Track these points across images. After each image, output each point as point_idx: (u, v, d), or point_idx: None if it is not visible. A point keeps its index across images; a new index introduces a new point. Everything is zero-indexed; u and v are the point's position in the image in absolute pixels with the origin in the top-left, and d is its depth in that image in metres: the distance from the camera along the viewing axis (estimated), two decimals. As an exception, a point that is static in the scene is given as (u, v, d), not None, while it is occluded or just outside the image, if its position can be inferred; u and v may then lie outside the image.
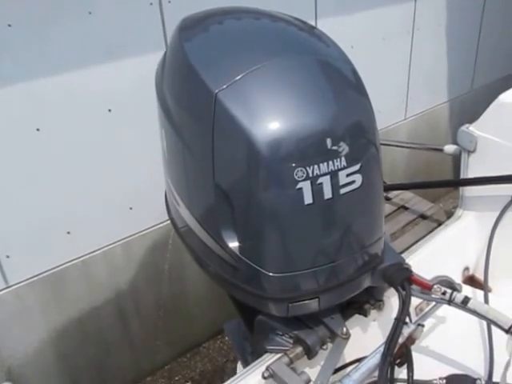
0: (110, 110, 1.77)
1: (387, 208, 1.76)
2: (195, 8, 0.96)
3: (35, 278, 1.79)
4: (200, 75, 0.78)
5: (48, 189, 1.72)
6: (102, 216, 1.89)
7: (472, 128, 1.37)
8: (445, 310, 0.97)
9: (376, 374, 0.81)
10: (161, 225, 2.07)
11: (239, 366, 1.08)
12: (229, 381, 0.87)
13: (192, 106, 0.82)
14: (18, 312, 1.79)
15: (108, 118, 1.78)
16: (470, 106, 3.51)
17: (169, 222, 1.06)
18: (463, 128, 1.38)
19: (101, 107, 1.75)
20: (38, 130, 1.63)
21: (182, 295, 2.31)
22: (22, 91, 1.56)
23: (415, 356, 0.88)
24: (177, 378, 2.34)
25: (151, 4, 1.75)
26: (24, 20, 1.50)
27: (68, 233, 1.82)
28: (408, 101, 3.05)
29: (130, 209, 1.97)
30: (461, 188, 1.43)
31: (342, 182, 0.77)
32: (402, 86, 2.99)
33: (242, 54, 0.82)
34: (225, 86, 0.75)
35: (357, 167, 0.78)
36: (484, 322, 1.09)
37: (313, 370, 0.86)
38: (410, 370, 0.86)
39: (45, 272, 1.81)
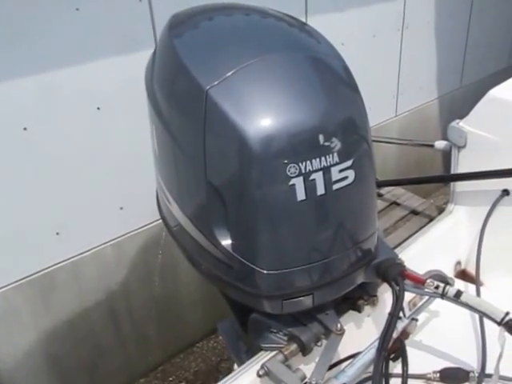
0: (98, 109, 1.75)
1: (379, 204, 1.76)
2: (185, 4, 0.95)
3: (23, 281, 1.76)
4: (190, 72, 0.77)
5: (36, 189, 1.70)
6: (91, 216, 1.87)
7: (462, 124, 1.38)
8: (438, 304, 0.97)
9: (371, 369, 0.81)
10: (152, 224, 2.05)
11: (235, 365, 1.08)
12: (224, 380, 0.87)
13: (183, 103, 0.81)
14: (6, 315, 1.76)
15: (97, 117, 1.76)
16: (459, 102, 3.54)
17: (160, 221, 1.05)
18: (453, 124, 1.39)
19: (89, 105, 1.73)
20: (25, 129, 1.61)
21: (175, 295, 2.29)
22: (8, 89, 1.53)
23: (409, 350, 0.88)
24: (171, 379, 2.33)
25: (140, 1, 1.73)
26: (9, 16, 1.47)
27: (57, 234, 1.79)
28: (398, 98, 3.07)
29: (121, 208, 1.95)
30: (452, 183, 1.44)
31: (334, 178, 0.77)
32: (393, 82, 3.01)
33: (232, 51, 0.81)
34: (216, 83, 0.75)
35: (349, 163, 0.78)
36: (476, 316, 1.10)
37: (308, 367, 0.86)
38: (405, 364, 0.86)
39: (33, 274, 1.78)
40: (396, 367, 0.88)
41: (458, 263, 1.38)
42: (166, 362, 2.39)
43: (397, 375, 0.87)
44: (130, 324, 2.18)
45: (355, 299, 0.97)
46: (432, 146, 1.50)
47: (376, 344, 0.82)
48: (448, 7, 3.13)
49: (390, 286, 0.87)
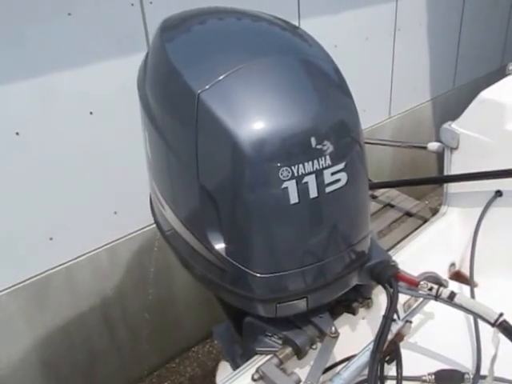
0: (91, 113, 1.74)
1: (373, 206, 1.77)
2: (177, 9, 0.95)
3: (17, 286, 1.75)
4: (182, 76, 0.77)
5: (29, 194, 1.68)
6: (85, 221, 1.86)
7: (454, 125, 1.38)
8: (432, 305, 0.98)
9: (366, 371, 0.81)
10: (146, 228, 2.04)
11: (230, 369, 1.07)
12: (218, 384, 0.86)
13: (174, 107, 0.81)
14: (0, 321, 1.75)
15: (90, 121, 1.75)
16: (452, 103, 3.57)
17: (154, 225, 1.05)
18: (445, 125, 1.40)
19: (82, 110, 1.72)
20: (17, 133, 1.60)
21: (170, 299, 2.28)
22: None
23: (404, 352, 0.88)
24: (166, 384, 2.32)
25: (132, 5, 1.73)
26: (0, 21, 1.46)
27: (51, 239, 1.78)
28: (392, 100, 3.08)
29: (115, 213, 1.95)
30: (445, 185, 1.45)
31: (327, 181, 0.77)
32: (386, 85, 3.02)
33: (224, 54, 0.81)
34: (207, 87, 0.75)
35: (341, 166, 0.78)
36: (471, 317, 1.10)
37: (303, 370, 0.86)
38: (399, 366, 0.86)
39: (27, 280, 1.77)
40: (391, 369, 0.88)
41: (452, 265, 1.38)
42: (162, 366, 2.37)
43: (392, 377, 0.87)
44: (124, 329, 2.17)
45: (350, 302, 0.97)
46: (425, 147, 1.51)
47: (371, 346, 0.82)
48: (440, 9, 3.15)
49: (384, 288, 0.87)
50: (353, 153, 0.81)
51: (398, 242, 1.27)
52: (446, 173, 1.42)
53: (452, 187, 1.42)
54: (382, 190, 1.87)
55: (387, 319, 0.82)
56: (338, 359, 0.92)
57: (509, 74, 1.50)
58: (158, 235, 1.04)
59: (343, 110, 0.82)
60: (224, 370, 1.07)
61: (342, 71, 0.86)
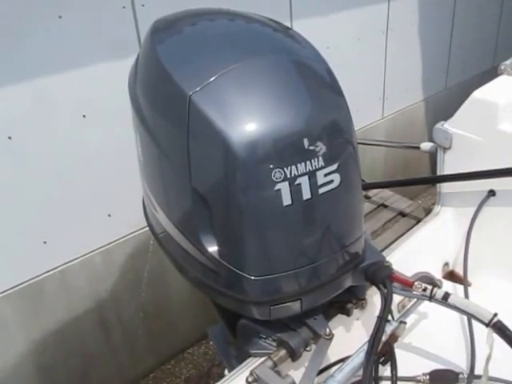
0: (84, 116, 1.73)
1: (367, 206, 1.77)
2: (169, 11, 0.95)
3: (11, 291, 1.74)
4: (173, 78, 0.77)
5: (22, 198, 1.67)
6: (79, 224, 1.85)
7: (447, 125, 1.39)
8: (426, 306, 0.98)
9: (360, 372, 0.81)
10: (141, 231, 2.03)
11: (226, 371, 1.07)
12: (213, 387, 0.86)
13: (166, 109, 0.81)
14: (-6, 326, 1.73)
15: (82, 124, 1.74)
16: (445, 103, 3.58)
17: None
18: (438, 125, 1.40)
19: (75, 113, 1.71)
20: (9, 138, 1.58)
21: (165, 301, 2.28)
22: (-9, 98, 1.51)
23: (399, 353, 0.88)
24: (162, 386, 2.31)
25: (124, 7, 1.72)
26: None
27: (44, 242, 1.77)
28: (385, 100, 3.09)
29: (109, 216, 1.94)
30: (438, 185, 1.45)
31: (320, 182, 0.76)
32: (379, 85, 3.03)
33: (215, 56, 0.81)
34: (198, 88, 0.74)
35: (334, 167, 0.78)
36: (465, 317, 1.11)
37: (297, 373, 0.86)
38: (394, 367, 0.86)
39: (21, 284, 1.76)
40: (386, 370, 0.88)
41: (446, 264, 1.39)
42: (157, 368, 2.36)
43: (386, 378, 0.86)
44: (120, 332, 2.15)
45: (344, 303, 0.97)
46: (418, 147, 1.51)
47: (365, 348, 0.82)
48: (432, 10, 3.16)
49: (379, 289, 0.87)
50: (346, 154, 0.81)
51: (392, 243, 1.27)
52: (439, 173, 1.42)
53: (445, 187, 1.42)
54: (376, 191, 1.87)
55: (381, 320, 0.82)
56: (333, 361, 0.92)
57: (501, 74, 1.50)
58: (152, 238, 1.03)
59: (336, 110, 0.82)
60: None
61: (335, 72, 0.86)
